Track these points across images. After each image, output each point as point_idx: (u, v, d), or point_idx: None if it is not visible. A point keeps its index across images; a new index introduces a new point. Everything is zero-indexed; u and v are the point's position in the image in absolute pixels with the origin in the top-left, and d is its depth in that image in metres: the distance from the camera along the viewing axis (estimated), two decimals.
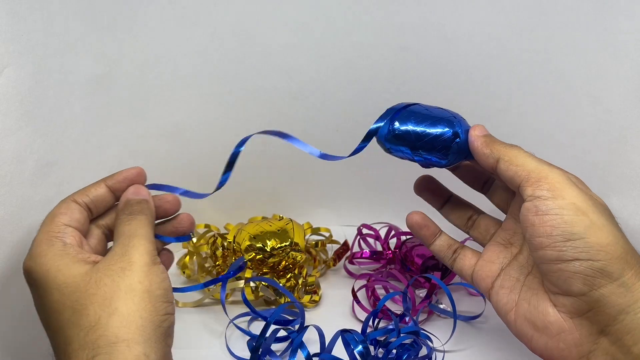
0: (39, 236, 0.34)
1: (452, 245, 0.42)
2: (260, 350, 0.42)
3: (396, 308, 0.49)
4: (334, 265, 0.56)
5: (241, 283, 0.50)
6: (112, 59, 0.46)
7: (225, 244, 0.53)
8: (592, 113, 0.47)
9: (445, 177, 0.43)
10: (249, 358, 0.43)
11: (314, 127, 0.55)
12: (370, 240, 0.57)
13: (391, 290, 0.51)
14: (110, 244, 0.39)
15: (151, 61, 0.49)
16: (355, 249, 0.56)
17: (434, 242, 0.42)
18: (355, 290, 0.50)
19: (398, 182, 0.56)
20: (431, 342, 0.45)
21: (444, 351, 0.45)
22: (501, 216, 0.41)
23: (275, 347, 0.45)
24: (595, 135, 0.47)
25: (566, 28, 0.47)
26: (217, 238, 0.54)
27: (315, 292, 0.52)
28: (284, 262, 0.50)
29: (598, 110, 0.47)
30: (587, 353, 0.33)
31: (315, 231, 0.57)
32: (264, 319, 0.47)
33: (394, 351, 0.43)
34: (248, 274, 0.50)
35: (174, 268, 0.55)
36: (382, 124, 0.38)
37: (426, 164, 0.39)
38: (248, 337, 0.46)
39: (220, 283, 0.50)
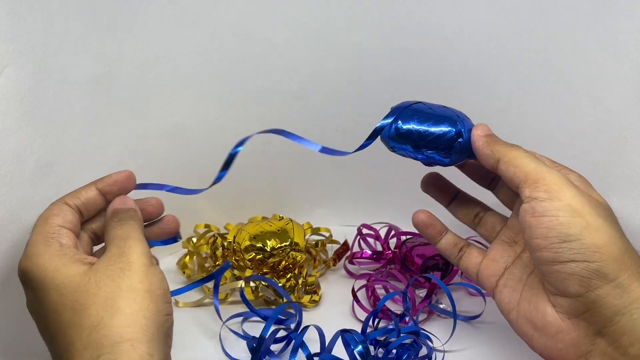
0: (33, 237, 0.34)
1: (458, 243, 0.42)
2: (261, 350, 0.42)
3: (396, 308, 0.49)
4: (334, 265, 0.56)
5: (241, 283, 0.50)
6: (112, 59, 0.46)
7: (225, 244, 0.53)
8: (592, 113, 0.47)
9: (453, 173, 0.43)
10: (250, 359, 0.43)
11: (314, 127, 0.55)
12: (370, 240, 0.57)
13: (391, 290, 0.51)
14: (96, 248, 0.39)
15: (151, 61, 0.49)
16: (355, 249, 0.56)
17: (439, 240, 0.42)
18: (355, 290, 0.50)
19: (398, 182, 0.56)
20: (431, 342, 0.45)
21: (444, 351, 0.45)
22: (509, 212, 0.41)
23: (273, 347, 0.45)
24: (595, 135, 0.47)
25: (566, 28, 0.47)
26: (217, 238, 0.54)
27: (315, 292, 0.52)
28: (284, 262, 0.50)
29: (598, 110, 0.47)
30: (585, 353, 0.33)
31: (315, 231, 0.57)
32: (264, 318, 0.47)
33: (394, 351, 0.43)
34: (248, 272, 0.50)
35: (174, 268, 0.55)
36: (388, 121, 0.38)
37: (429, 163, 0.39)
38: (247, 335, 0.46)
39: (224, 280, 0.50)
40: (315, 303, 0.51)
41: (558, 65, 0.48)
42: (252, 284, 0.50)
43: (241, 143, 0.38)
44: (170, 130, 0.52)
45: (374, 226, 0.56)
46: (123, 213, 0.36)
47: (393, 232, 0.56)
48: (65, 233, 0.34)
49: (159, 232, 0.40)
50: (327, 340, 0.43)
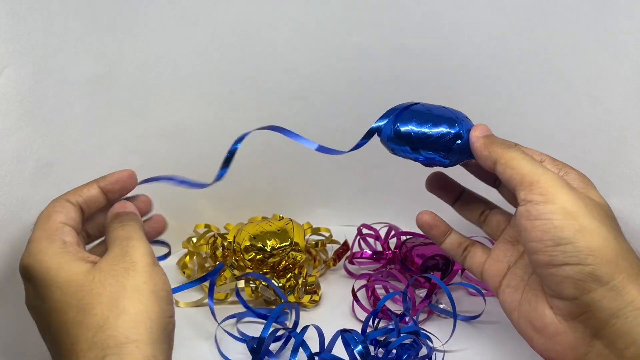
0: (36, 234, 0.34)
1: (463, 243, 0.42)
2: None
3: (396, 308, 0.49)
4: (334, 265, 0.56)
5: (241, 283, 0.50)
6: (112, 59, 0.46)
7: (225, 244, 0.53)
8: (592, 113, 0.47)
9: (457, 171, 0.43)
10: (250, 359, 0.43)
11: (314, 127, 0.54)
12: (370, 240, 0.57)
13: (391, 290, 0.51)
14: (88, 246, 0.39)
15: (151, 61, 0.49)
16: (355, 249, 0.56)
17: (444, 240, 0.42)
18: (355, 290, 0.50)
19: (398, 182, 0.56)
20: (431, 342, 0.45)
21: (444, 351, 0.45)
22: (514, 210, 0.41)
23: (272, 346, 0.45)
24: (595, 135, 0.47)
25: (566, 28, 0.47)
26: (217, 238, 0.54)
27: (315, 292, 0.52)
28: (284, 262, 0.50)
29: (598, 110, 0.47)
30: (582, 355, 0.33)
31: (315, 231, 0.57)
32: (263, 317, 0.47)
33: (394, 351, 0.43)
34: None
35: (174, 268, 0.55)
36: (383, 122, 0.38)
37: (429, 164, 0.39)
38: (244, 336, 0.46)
39: (222, 280, 0.50)
40: (315, 303, 0.51)
41: (558, 65, 0.48)
42: (252, 283, 0.50)
43: (240, 140, 0.38)
44: (170, 130, 0.52)
45: (374, 226, 0.56)
46: (124, 215, 0.36)
47: (393, 232, 0.56)
48: (68, 231, 0.34)
49: (149, 230, 0.40)
50: (327, 340, 0.43)
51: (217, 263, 0.51)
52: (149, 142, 0.51)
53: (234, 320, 0.48)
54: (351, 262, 0.55)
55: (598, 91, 0.46)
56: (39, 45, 0.39)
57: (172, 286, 0.34)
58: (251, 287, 0.50)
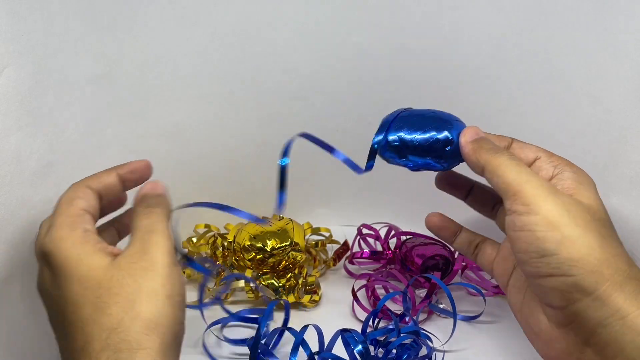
0: (59, 219, 0.33)
1: (473, 241, 0.41)
2: (261, 352, 0.42)
3: (396, 308, 0.49)
4: (334, 265, 0.56)
5: (241, 283, 0.50)
6: (112, 59, 0.46)
7: (225, 244, 0.53)
8: (592, 113, 0.47)
9: (465, 166, 0.42)
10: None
11: (313, 127, 0.54)
12: (370, 240, 0.57)
13: (391, 290, 0.51)
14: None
15: (151, 61, 0.49)
16: (355, 249, 0.56)
17: (455, 240, 0.42)
18: (355, 290, 0.50)
19: (398, 182, 0.56)
20: (431, 342, 0.45)
21: (443, 351, 0.45)
22: None
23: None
24: (595, 135, 0.47)
25: (566, 28, 0.47)
26: (217, 238, 0.54)
27: (315, 292, 0.52)
28: (284, 262, 0.50)
29: (598, 110, 0.47)
30: None
31: (315, 231, 0.57)
32: (244, 320, 0.47)
33: (394, 351, 0.43)
34: (248, 272, 0.50)
35: None
36: (381, 137, 0.38)
37: (425, 169, 0.39)
38: (243, 335, 0.46)
39: (219, 281, 0.50)
40: (315, 303, 0.51)
41: (558, 65, 0.48)
42: (251, 283, 0.50)
43: (286, 152, 0.38)
44: (170, 130, 0.52)
45: (374, 226, 0.56)
46: (152, 198, 0.35)
47: (393, 232, 0.56)
48: (88, 219, 0.33)
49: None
50: (326, 340, 0.43)
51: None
52: (149, 142, 0.51)
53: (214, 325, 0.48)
54: (351, 262, 0.55)
55: (598, 91, 0.46)
56: (39, 45, 0.39)
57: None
58: (251, 287, 0.50)
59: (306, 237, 0.54)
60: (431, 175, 0.43)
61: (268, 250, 0.49)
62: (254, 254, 0.49)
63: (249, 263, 0.50)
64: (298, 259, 0.50)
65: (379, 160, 0.44)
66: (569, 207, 0.33)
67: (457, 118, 0.39)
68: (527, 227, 0.32)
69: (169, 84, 0.50)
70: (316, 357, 0.42)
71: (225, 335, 0.47)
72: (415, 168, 0.39)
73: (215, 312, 0.49)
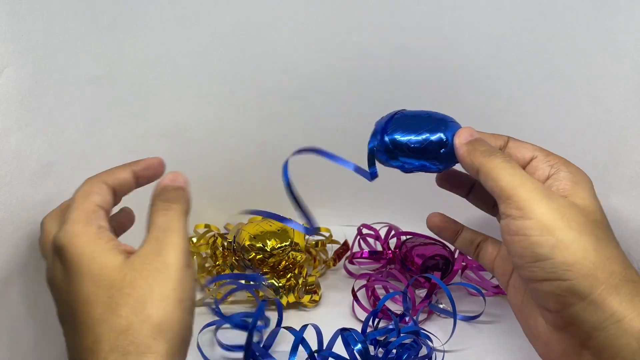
0: (74, 213, 0.32)
1: (474, 240, 0.41)
2: (255, 351, 0.42)
3: (396, 308, 0.49)
4: (334, 265, 0.56)
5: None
6: (112, 59, 0.46)
7: (225, 244, 0.53)
8: (592, 113, 0.47)
9: None
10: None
11: (314, 127, 0.55)
12: (370, 240, 0.57)
13: (391, 290, 0.51)
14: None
15: (151, 61, 0.49)
16: (355, 249, 0.56)
17: (456, 240, 0.42)
18: (355, 290, 0.50)
19: (398, 182, 0.56)
20: (431, 341, 0.45)
21: (443, 351, 0.45)
22: None
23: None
24: (595, 135, 0.47)
25: (566, 28, 0.47)
26: (217, 238, 0.54)
27: (315, 292, 0.52)
28: (284, 262, 0.50)
29: (598, 110, 0.47)
30: None
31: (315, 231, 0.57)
32: (235, 325, 0.47)
33: (394, 351, 0.43)
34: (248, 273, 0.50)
35: None
36: (376, 140, 0.38)
37: (418, 171, 0.39)
38: (239, 335, 0.46)
39: (220, 282, 0.50)
40: (315, 303, 0.51)
41: (558, 65, 0.48)
42: (251, 283, 0.50)
43: (285, 170, 0.39)
44: (170, 130, 0.52)
45: (374, 226, 0.56)
46: (171, 192, 0.34)
47: (393, 232, 0.56)
48: (102, 215, 0.33)
49: (124, 222, 0.39)
50: (326, 340, 0.43)
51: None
52: (149, 142, 0.51)
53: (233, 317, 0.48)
54: (351, 262, 0.55)
55: (598, 91, 0.46)
56: (39, 45, 0.39)
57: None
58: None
59: (306, 237, 0.54)
60: (431, 175, 0.43)
61: (268, 250, 0.49)
62: (254, 254, 0.49)
63: (249, 263, 0.50)
64: (298, 259, 0.50)
65: None
66: (563, 210, 0.32)
67: (452, 119, 0.39)
68: (522, 231, 0.32)
69: (169, 84, 0.50)
70: (316, 355, 0.42)
71: (222, 336, 0.47)
72: (411, 170, 0.38)
73: (228, 309, 0.49)
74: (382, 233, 0.56)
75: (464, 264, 0.53)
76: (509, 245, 0.33)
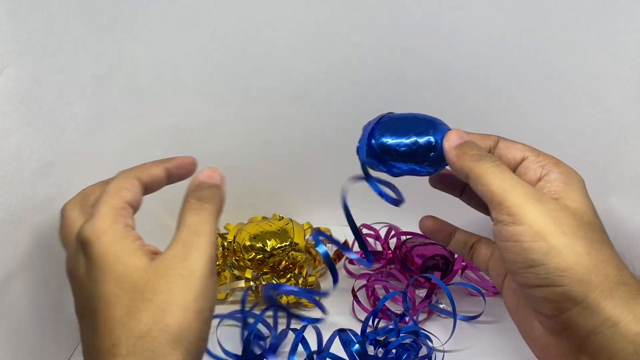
0: (104, 208, 0.31)
1: (468, 242, 0.41)
2: (258, 350, 0.42)
3: (396, 308, 0.49)
4: None
5: (241, 283, 0.50)
6: (112, 59, 0.46)
7: (225, 244, 0.53)
8: (592, 113, 0.47)
9: None
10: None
11: (314, 127, 0.55)
12: (370, 240, 0.57)
13: (391, 290, 0.51)
14: None
15: (151, 61, 0.49)
16: (356, 249, 0.56)
17: (450, 242, 0.41)
18: (355, 290, 0.50)
19: (398, 182, 0.56)
20: (431, 342, 0.45)
21: (443, 351, 0.45)
22: None
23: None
24: (595, 135, 0.47)
25: (566, 28, 0.47)
26: (217, 238, 0.54)
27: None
28: (284, 262, 0.50)
29: (598, 110, 0.47)
30: None
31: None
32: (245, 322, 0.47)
33: (394, 351, 0.43)
34: (248, 272, 0.50)
35: None
36: (364, 145, 0.37)
37: (407, 175, 0.38)
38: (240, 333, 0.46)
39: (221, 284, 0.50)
40: None
41: (558, 65, 0.48)
42: (252, 284, 0.50)
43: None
44: (170, 130, 0.52)
45: (374, 226, 0.56)
46: (206, 190, 0.34)
47: (393, 232, 0.56)
48: (130, 213, 0.33)
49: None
50: (325, 340, 0.43)
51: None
52: (149, 142, 0.51)
53: (232, 320, 0.48)
54: (351, 262, 0.55)
55: (598, 91, 0.46)
56: (39, 45, 0.39)
57: None
58: (251, 286, 0.50)
59: (306, 237, 0.54)
60: None
61: (268, 250, 0.49)
62: (254, 254, 0.49)
63: (249, 263, 0.50)
64: (298, 259, 0.50)
65: None
66: (555, 215, 0.32)
67: (441, 121, 0.38)
68: (514, 237, 0.32)
69: (169, 84, 0.50)
70: (315, 357, 0.42)
71: (222, 335, 0.47)
72: (400, 174, 0.38)
73: (228, 309, 0.49)
74: (382, 233, 0.56)
75: (464, 264, 0.53)
76: (501, 250, 0.33)
